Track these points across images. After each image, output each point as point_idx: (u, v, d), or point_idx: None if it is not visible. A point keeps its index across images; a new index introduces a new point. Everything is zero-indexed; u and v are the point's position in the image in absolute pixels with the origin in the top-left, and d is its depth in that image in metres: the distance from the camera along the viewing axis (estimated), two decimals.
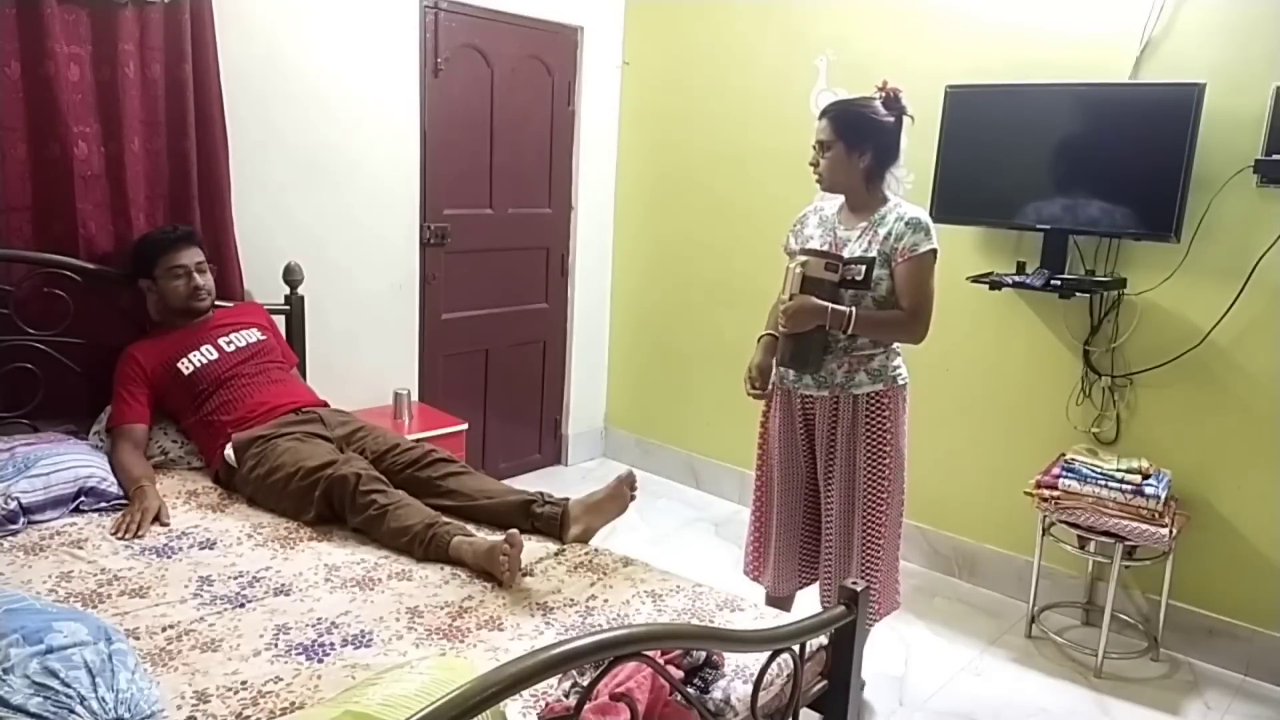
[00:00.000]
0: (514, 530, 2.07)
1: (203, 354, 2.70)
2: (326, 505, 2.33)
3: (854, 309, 2.33)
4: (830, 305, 2.32)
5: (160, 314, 2.78)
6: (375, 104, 3.43)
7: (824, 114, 2.41)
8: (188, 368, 2.67)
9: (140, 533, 2.22)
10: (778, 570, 2.63)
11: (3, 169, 2.57)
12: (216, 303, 2.84)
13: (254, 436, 2.53)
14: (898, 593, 2.57)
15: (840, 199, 2.49)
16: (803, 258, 2.37)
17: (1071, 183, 2.93)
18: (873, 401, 2.42)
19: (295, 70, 3.18)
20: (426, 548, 2.17)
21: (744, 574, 2.74)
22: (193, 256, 2.74)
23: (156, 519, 2.29)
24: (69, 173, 2.64)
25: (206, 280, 2.77)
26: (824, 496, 2.52)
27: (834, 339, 2.39)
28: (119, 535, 2.21)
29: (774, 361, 2.54)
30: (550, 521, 2.33)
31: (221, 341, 2.75)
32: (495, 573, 2.05)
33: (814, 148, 2.43)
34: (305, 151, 3.25)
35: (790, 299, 2.36)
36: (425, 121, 3.60)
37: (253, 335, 2.83)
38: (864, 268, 2.35)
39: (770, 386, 2.58)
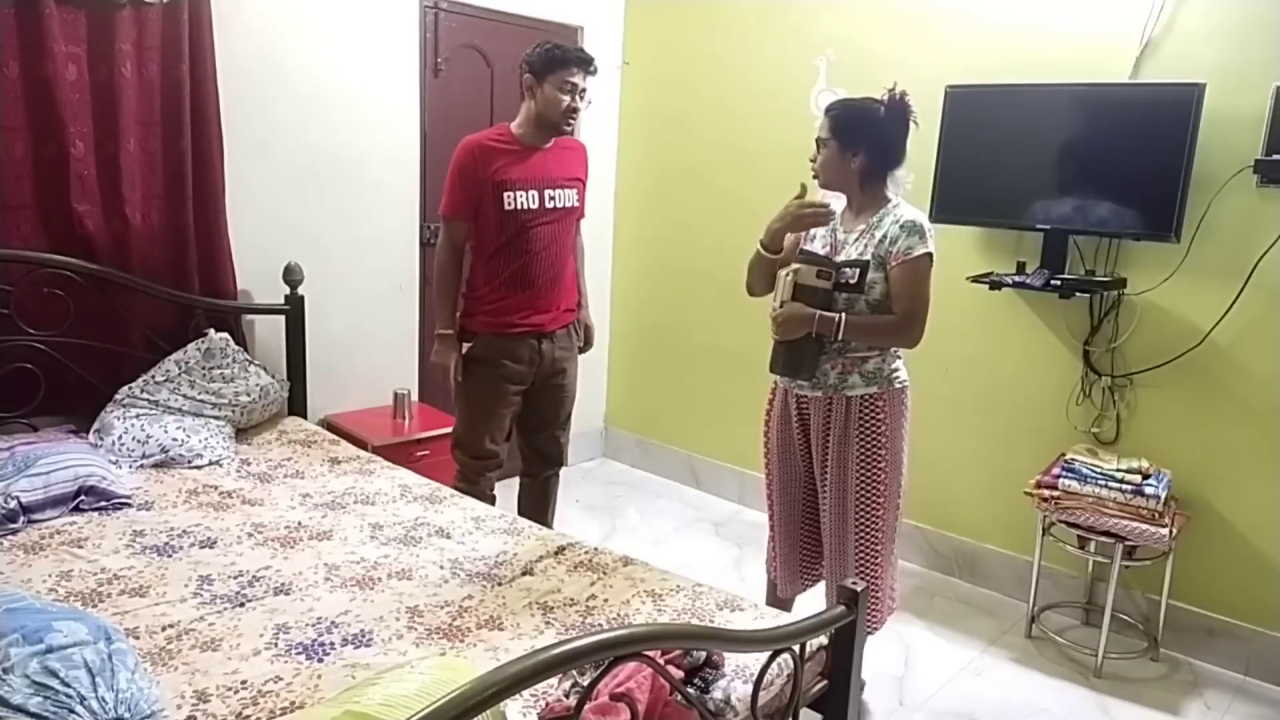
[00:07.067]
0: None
1: (529, 198, 2.63)
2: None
3: (843, 315, 2.30)
4: (819, 312, 2.30)
5: (524, 123, 2.71)
6: (375, 104, 3.43)
7: (826, 111, 2.41)
8: (510, 203, 2.60)
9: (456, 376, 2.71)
10: (782, 571, 2.63)
11: (2, 168, 2.57)
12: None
13: (479, 357, 2.76)
14: (893, 596, 2.56)
15: (845, 199, 2.47)
16: (795, 265, 2.36)
17: (1071, 183, 2.93)
18: (866, 404, 2.38)
19: (295, 70, 3.18)
20: None
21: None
22: (585, 80, 2.69)
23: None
24: (66, 172, 2.64)
25: (580, 106, 2.71)
26: (820, 496, 2.51)
27: (828, 341, 2.37)
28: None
29: (768, 368, 2.55)
30: None
31: (548, 194, 2.67)
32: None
33: (815, 144, 2.43)
34: (305, 151, 3.25)
35: (781, 306, 2.35)
36: (425, 121, 3.60)
37: (572, 198, 2.74)
38: (857, 271, 2.32)
39: (775, 384, 2.58)
